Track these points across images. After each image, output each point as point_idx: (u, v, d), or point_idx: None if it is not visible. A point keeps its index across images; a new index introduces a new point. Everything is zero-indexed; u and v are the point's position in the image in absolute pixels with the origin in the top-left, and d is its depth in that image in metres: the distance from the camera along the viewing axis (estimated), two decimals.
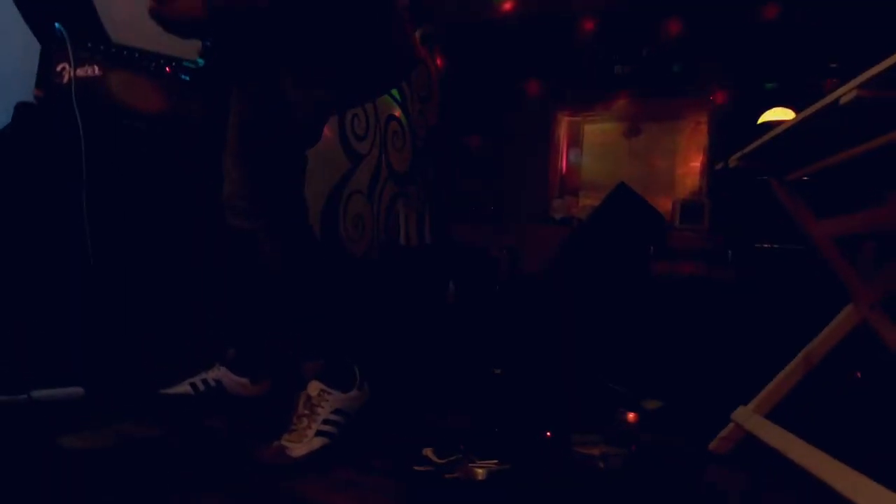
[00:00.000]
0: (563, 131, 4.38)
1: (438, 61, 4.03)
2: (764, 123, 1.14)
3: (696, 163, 3.79)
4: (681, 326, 2.28)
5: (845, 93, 0.79)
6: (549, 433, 1.07)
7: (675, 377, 1.86)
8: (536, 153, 4.32)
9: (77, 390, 1.24)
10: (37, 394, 1.18)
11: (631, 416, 1.45)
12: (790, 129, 0.95)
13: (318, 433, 0.98)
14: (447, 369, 1.95)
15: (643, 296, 2.61)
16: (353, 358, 1.12)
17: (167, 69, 1.53)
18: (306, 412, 1.00)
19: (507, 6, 3.98)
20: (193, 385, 1.23)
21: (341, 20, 1.04)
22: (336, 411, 1.02)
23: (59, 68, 1.41)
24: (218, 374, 1.25)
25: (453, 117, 4.13)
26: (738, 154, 1.18)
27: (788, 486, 0.99)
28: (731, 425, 1.22)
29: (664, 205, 3.50)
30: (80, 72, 1.40)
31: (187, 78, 1.49)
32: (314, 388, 1.03)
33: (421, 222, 3.41)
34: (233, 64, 1.13)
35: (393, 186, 3.35)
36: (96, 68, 1.44)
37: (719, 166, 1.25)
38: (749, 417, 1.18)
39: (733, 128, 3.46)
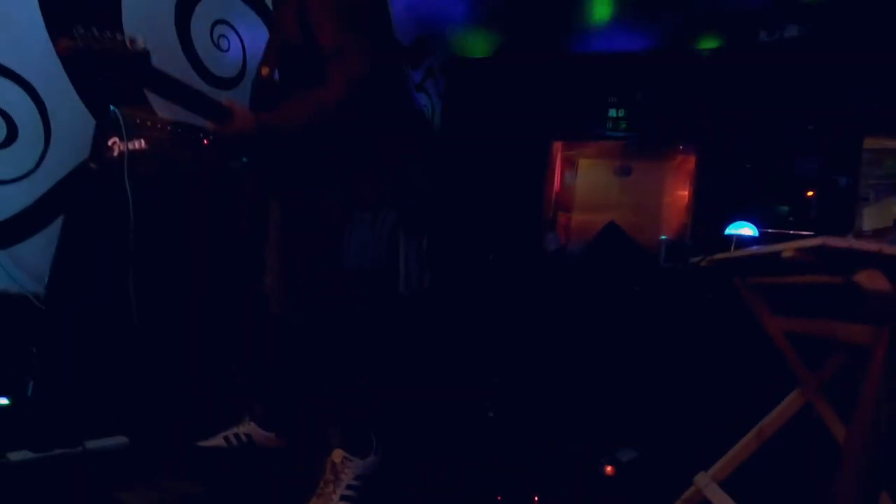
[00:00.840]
0: (559, 161, 4.58)
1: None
2: (729, 234, 1.34)
3: (683, 204, 4.00)
4: (658, 367, 2.48)
5: (788, 249, 0.98)
6: (536, 498, 1.25)
7: (650, 421, 2.06)
8: (532, 183, 4.51)
9: (122, 440, 1.41)
10: (90, 444, 1.35)
11: (609, 469, 1.65)
12: (743, 258, 1.14)
13: (342, 498, 1.15)
14: (441, 412, 2.13)
15: (627, 335, 2.80)
16: (370, 423, 1.30)
17: (205, 141, 1.70)
18: (331, 478, 1.17)
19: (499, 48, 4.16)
20: (227, 438, 1.40)
21: (373, 135, 1.22)
22: (357, 477, 1.20)
23: (110, 143, 1.57)
24: (248, 428, 1.43)
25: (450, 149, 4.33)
26: (708, 259, 1.37)
27: None
28: (692, 488, 1.42)
29: (651, 243, 3.72)
30: (130, 146, 1.56)
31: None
32: (338, 455, 1.21)
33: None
34: (274, 174, 1.30)
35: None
36: (143, 142, 1.60)
37: (696, 260, 1.44)
38: (707, 484, 1.37)
39: (719, 173, 3.70)
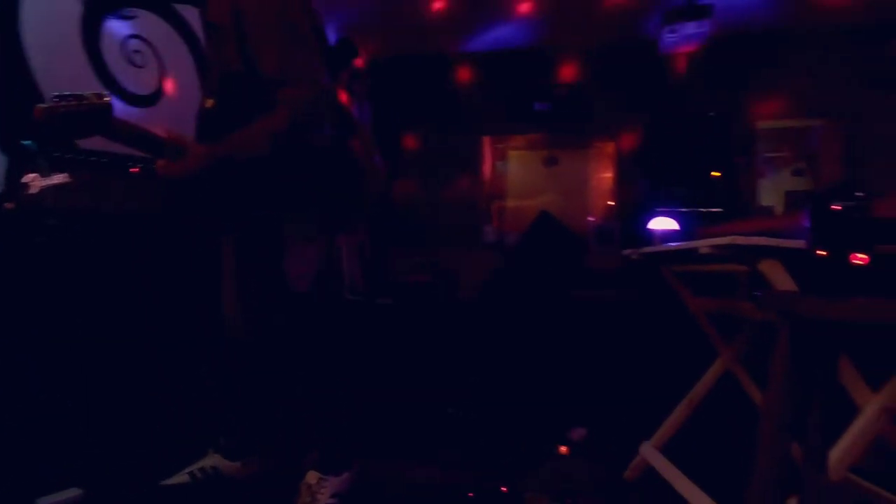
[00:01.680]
0: (489, 154, 4.72)
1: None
2: (651, 229, 1.50)
3: (607, 188, 4.28)
4: (599, 348, 2.67)
5: (703, 246, 1.12)
6: (504, 488, 1.35)
7: (595, 400, 2.23)
8: (465, 176, 4.62)
9: (76, 492, 1.35)
10: (41, 501, 1.28)
11: (563, 449, 1.78)
12: (667, 251, 1.28)
13: None
14: (404, 411, 2.19)
15: (567, 320, 2.98)
16: (342, 440, 1.33)
17: (134, 170, 1.62)
18: (308, 500, 1.20)
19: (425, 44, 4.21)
20: (192, 474, 1.38)
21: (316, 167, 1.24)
22: (334, 495, 1.23)
23: (26, 180, 1.46)
24: (213, 460, 1.40)
25: (383, 145, 4.32)
26: (638, 252, 1.52)
27: None
28: (638, 457, 1.58)
29: (581, 228, 3.96)
30: (53, 181, 1.46)
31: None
32: (312, 477, 1.24)
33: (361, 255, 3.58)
34: (225, 204, 1.28)
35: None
36: (66, 175, 1.50)
37: (628, 252, 1.58)
38: (649, 451, 1.54)
39: (636, 159, 3.99)
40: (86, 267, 1.43)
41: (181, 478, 1.37)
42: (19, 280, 1.39)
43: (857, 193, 0.70)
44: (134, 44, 2.17)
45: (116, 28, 2.10)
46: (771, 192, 3.70)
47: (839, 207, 0.69)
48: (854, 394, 1.11)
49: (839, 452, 1.01)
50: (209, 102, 1.24)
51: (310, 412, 1.37)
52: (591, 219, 4.44)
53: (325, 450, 1.29)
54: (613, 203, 4.28)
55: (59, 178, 1.50)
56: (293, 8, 1.18)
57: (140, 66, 2.21)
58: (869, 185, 0.74)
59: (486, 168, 4.51)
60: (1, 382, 1.30)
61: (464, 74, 4.43)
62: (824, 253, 0.69)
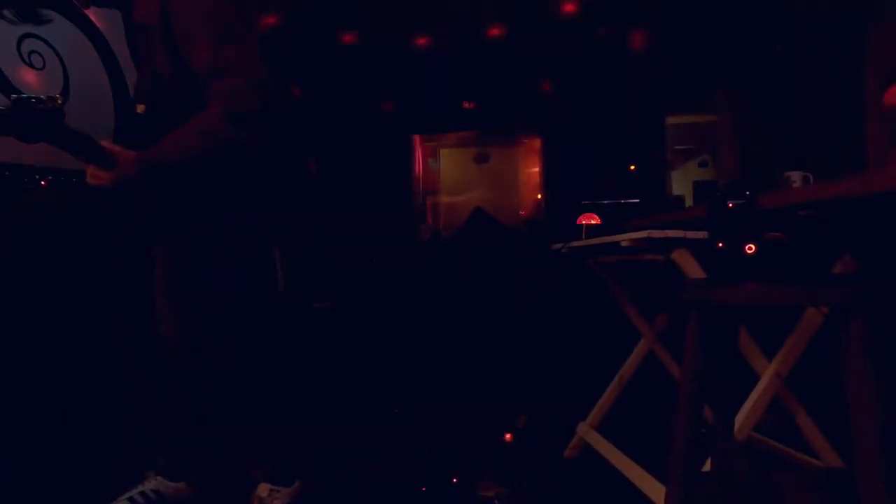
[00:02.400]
0: (419, 152, 4.77)
1: (296, 91, 4.08)
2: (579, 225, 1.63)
3: (536, 182, 4.47)
4: (533, 337, 2.81)
5: (624, 239, 1.23)
6: (455, 479, 1.41)
7: (534, 387, 2.36)
8: (396, 173, 4.63)
9: None
10: None
11: (508, 436, 1.87)
12: (593, 245, 1.39)
13: None
14: (347, 412, 2.19)
15: (503, 311, 3.10)
16: (290, 451, 1.33)
17: (42, 182, 1.51)
18: None
19: (348, 38, 4.17)
20: (132, 499, 1.31)
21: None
22: None
23: None
24: (154, 483, 1.35)
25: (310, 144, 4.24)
26: (566, 245, 1.63)
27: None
28: (576, 437, 1.70)
29: (513, 222, 4.12)
30: None
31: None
32: (264, 489, 1.23)
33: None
34: (160, 216, 1.22)
35: None
36: None
37: (557, 246, 1.69)
38: (587, 431, 1.66)
39: (561, 154, 4.20)
40: (4, 284, 1.32)
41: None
42: None
43: (747, 192, 0.81)
44: (31, 43, 1.99)
45: (8, 26, 1.92)
46: (681, 181, 4.06)
47: (732, 205, 0.80)
48: (753, 363, 1.27)
49: (743, 415, 1.16)
50: (140, 107, 1.18)
51: (252, 424, 1.35)
52: (521, 213, 4.63)
53: (273, 461, 1.28)
54: (541, 196, 4.48)
55: None
56: (225, 5, 1.15)
57: (40, 69, 2.03)
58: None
59: (418, 166, 4.56)
60: None
61: (393, 73, 4.43)
62: (721, 245, 0.80)
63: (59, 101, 0.98)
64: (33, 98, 0.97)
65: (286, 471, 1.30)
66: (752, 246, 0.79)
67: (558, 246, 1.70)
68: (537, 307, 2.85)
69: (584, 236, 1.67)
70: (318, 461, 1.47)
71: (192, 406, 1.36)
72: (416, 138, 4.57)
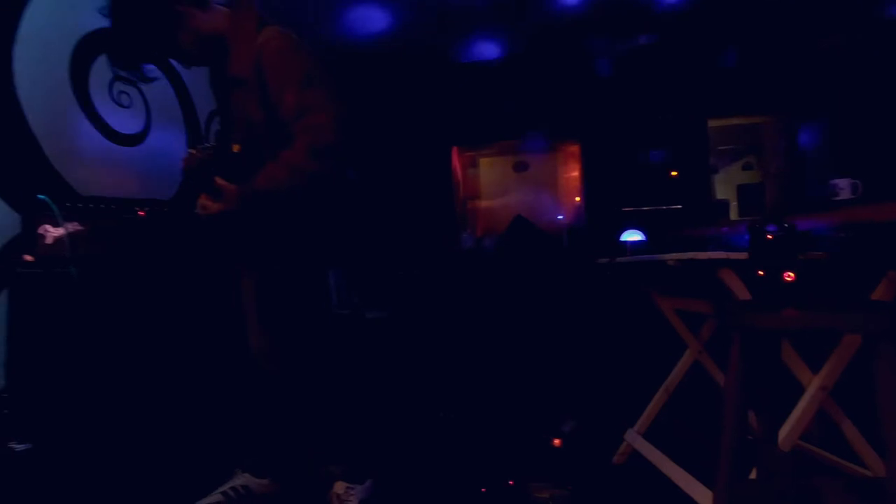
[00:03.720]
0: (461, 163, 4.90)
1: None
2: (623, 241, 1.70)
3: (575, 189, 4.52)
4: (579, 344, 2.87)
5: (669, 259, 1.32)
6: (511, 482, 1.52)
7: (582, 395, 2.43)
8: (438, 182, 4.77)
9: None
10: None
11: (557, 441, 1.97)
12: (638, 262, 1.48)
13: None
14: (393, 415, 2.32)
15: (548, 318, 3.17)
16: (362, 451, 1.48)
17: (140, 213, 1.71)
18: None
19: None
20: (225, 493, 1.49)
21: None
22: (361, 501, 1.37)
23: (41, 231, 1.54)
24: (243, 479, 1.52)
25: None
26: (611, 261, 1.71)
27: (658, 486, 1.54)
28: (624, 444, 1.78)
29: (553, 228, 4.18)
30: (67, 229, 1.55)
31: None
32: (340, 487, 1.38)
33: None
34: (246, 243, 1.40)
35: None
36: (77, 224, 1.59)
37: (603, 261, 1.77)
38: (634, 438, 1.73)
39: (601, 161, 4.23)
40: (111, 308, 1.52)
41: (215, 497, 1.48)
42: (53, 324, 1.47)
43: (785, 224, 0.89)
44: (121, 85, 2.23)
45: (104, 70, 2.16)
46: (724, 185, 4.00)
47: (771, 237, 0.87)
48: (798, 375, 1.32)
49: (789, 427, 1.22)
50: (236, 147, 1.36)
51: (328, 427, 1.51)
52: (560, 217, 4.67)
53: (347, 461, 1.43)
54: (580, 201, 4.51)
55: (71, 227, 1.58)
56: (307, 58, 1.33)
57: (126, 107, 2.27)
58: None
59: (459, 176, 4.68)
60: (51, 412, 1.39)
61: (433, 85, 4.56)
62: (762, 273, 0.88)
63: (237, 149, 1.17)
64: (209, 145, 1.16)
65: (359, 469, 1.45)
66: (792, 274, 0.86)
67: (603, 261, 1.78)
68: (582, 315, 2.92)
69: (628, 252, 1.75)
70: (384, 461, 1.61)
71: (276, 410, 1.53)
72: (455, 149, 4.69)
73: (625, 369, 2.36)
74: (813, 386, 1.22)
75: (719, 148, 4.53)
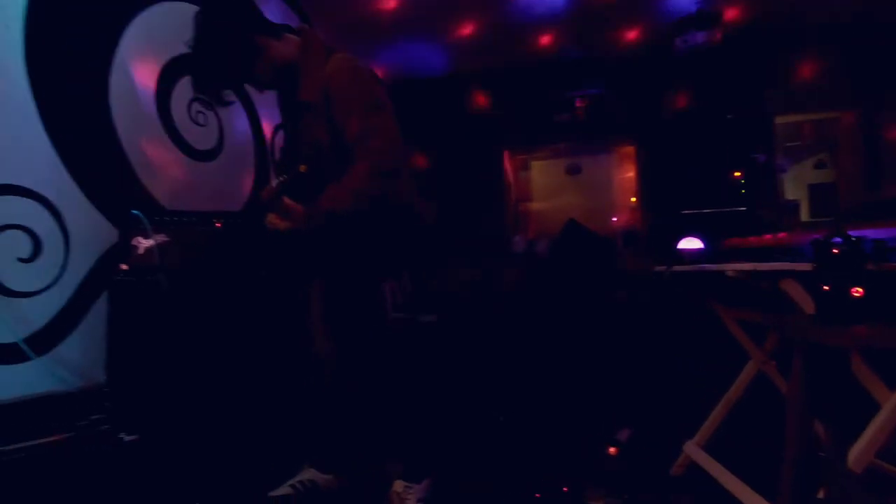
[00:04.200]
0: (511, 164, 4.90)
1: None
2: (681, 249, 1.66)
3: (630, 191, 4.42)
4: (635, 351, 2.82)
5: (729, 269, 1.29)
6: (565, 489, 1.54)
7: (638, 403, 2.39)
8: (490, 187, 4.79)
9: None
10: None
11: (612, 450, 1.95)
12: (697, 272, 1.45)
13: None
14: (451, 416, 2.37)
15: (604, 323, 3.12)
16: (420, 451, 1.54)
17: (217, 224, 1.87)
18: None
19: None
20: (294, 486, 1.60)
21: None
22: (419, 500, 1.44)
23: (134, 242, 1.71)
24: (310, 474, 1.63)
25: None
26: (668, 269, 1.69)
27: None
28: (682, 455, 1.74)
29: (606, 230, 4.10)
30: (156, 241, 1.71)
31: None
32: (399, 485, 1.45)
33: None
34: (316, 255, 1.51)
35: None
36: (164, 236, 1.75)
37: (660, 269, 1.75)
38: (694, 450, 1.70)
39: (657, 162, 4.12)
40: (194, 312, 1.68)
41: (285, 490, 1.60)
42: (144, 327, 1.64)
43: (852, 238, 0.86)
44: (198, 105, 2.43)
45: (184, 92, 2.36)
46: (793, 186, 3.77)
47: (837, 251, 0.85)
48: (874, 393, 1.26)
49: (862, 444, 1.17)
50: (303, 167, 1.47)
51: (388, 427, 1.58)
52: (615, 219, 4.57)
53: (407, 460, 1.50)
54: (635, 199, 4.39)
55: (160, 238, 1.75)
56: (371, 85, 1.42)
57: (202, 125, 2.47)
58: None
59: (511, 181, 4.69)
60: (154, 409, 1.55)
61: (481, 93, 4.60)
62: (828, 288, 0.86)
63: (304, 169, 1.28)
64: (285, 178, 1.28)
65: (417, 469, 1.52)
66: (860, 290, 0.84)
67: (660, 269, 1.76)
68: (638, 322, 2.87)
69: (686, 259, 1.71)
70: (442, 462, 1.67)
71: (340, 410, 1.62)
72: (507, 152, 4.71)
73: (684, 378, 2.30)
74: (889, 405, 1.16)
75: (787, 145, 4.28)
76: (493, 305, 3.77)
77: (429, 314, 3.47)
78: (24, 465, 1.30)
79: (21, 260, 1.67)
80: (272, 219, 1.40)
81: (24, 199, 1.68)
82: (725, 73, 3.76)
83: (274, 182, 1.34)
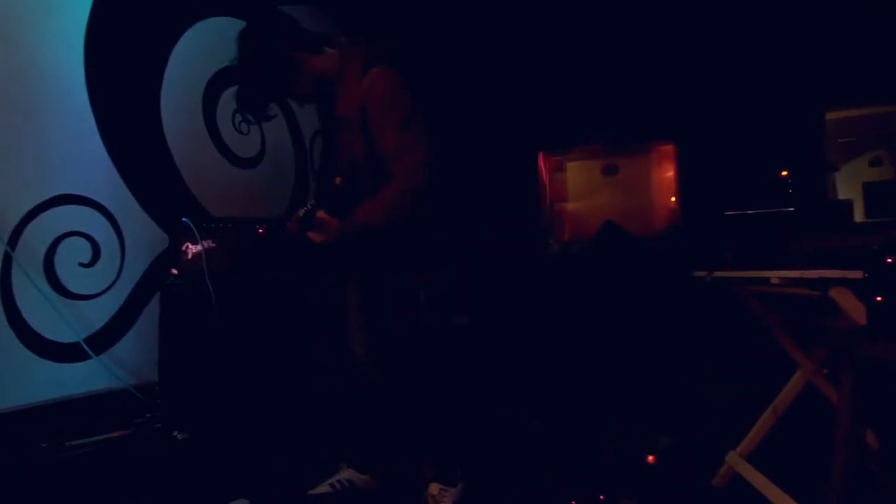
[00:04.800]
0: (545, 164, 4.85)
1: None
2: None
3: (671, 191, 4.29)
4: (676, 357, 2.74)
5: (773, 276, 1.25)
6: (602, 496, 1.52)
7: (678, 410, 2.33)
8: (522, 189, 4.75)
9: (244, 502, 1.65)
10: None
11: (650, 458, 1.92)
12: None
13: None
14: (485, 420, 2.37)
15: (643, 327, 3.05)
16: (454, 455, 1.56)
17: (260, 230, 1.94)
18: None
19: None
20: (332, 485, 1.65)
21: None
22: None
23: (183, 248, 1.80)
24: (347, 474, 1.67)
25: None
26: (709, 274, 1.64)
27: None
28: (725, 465, 1.69)
29: (645, 232, 4.00)
30: (203, 246, 1.79)
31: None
32: (434, 488, 1.47)
33: None
34: (351, 263, 1.55)
35: None
36: (211, 241, 1.83)
37: (700, 274, 1.70)
38: (737, 460, 1.65)
39: (699, 161, 3.98)
40: (238, 315, 1.75)
41: (324, 488, 1.65)
42: (193, 329, 1.72)
43: None
44: (241, 115, 2.52)
45: (229, 102, 2.45)
46: (846, 184, 3.57)
47: (891, 260, 0.82)
48: None
49: None
50: (338, 179, 1.51)
51: (423, 429, 1.61)
52: (654, 223, 4.44)
53: (442, 463, 1.53)
54: (675, 199, 4.27)
55: (207, 244, 1.83)
56: (406, 102, 1.44)
57: (245, 134, 2.56)
58: None
59: (545, 182, 4.64)
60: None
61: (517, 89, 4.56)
62: (880, 299, 0.83)
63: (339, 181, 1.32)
64: (307, 208, 1.34)
65: (452, 473, 1.54)
66: None
67: (701, 274, 1.71)
68: (679, 327, 2.79)
69: (729, 265, 1.66)
70: (477, 466, 1.68)
71: (377, 411, 1.66)
72: (540, 154, 4.66)
73: (726, 386, 2.23)
74: None
75: (840, 141, 4.07)
76: (527, 308, 3.75)
77: (462, 316, 3.48)
78: (89, 459, 1.39)
79: (82, 265, 1.79)
80: (310, 234, 1.44)
81: (85, 207, 1.80)
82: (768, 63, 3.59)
83: (301, 211, 1.38)
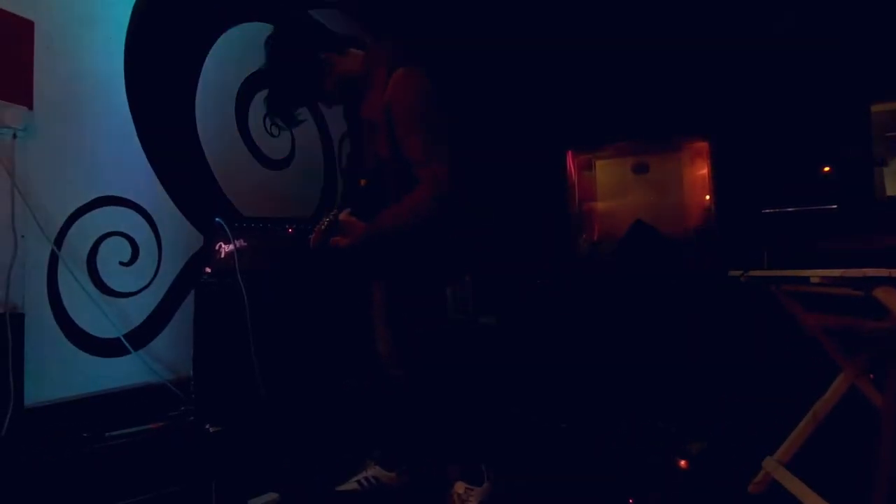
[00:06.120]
0: (575, 167, 4.79)
1: None
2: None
3: (703, 191, 4.17)
4: (710, 359, 2.66)
5: (813, 276, 1.20)
6: (631, 500, 1.49)
7: (713, 414, 2.26)
8: (552, 188, 4.70)
9: (274, 495, 1.69)
10: (252, 502, 1.63)
11: (683, 463, 1.87)
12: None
13: None
14: (511, 420, 2.36)
15: (674, 327, 2.98)
16: (480, 455, 1.56)
17: (289, 230, 1.98)
18: None
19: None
20: (359, 482, 1.67)
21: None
22: (479, 503, 1.45)
23: (217, 247, 1.85)
24: (373, 471, 1.69)
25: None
26: (744, 274, 1.59)
27: None
28: (762, 472, 1.63)
29: (677, 232, 3.90)
30: (235, 245, 1.84)
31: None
32: (460, 487, 1.47)
33: None
34: (376, 265, 1.57)
35: None
36: (243, 241, 1.88)
37: (735, 274, 1.65)
38: (774, 467, 1.59)
39: (734, 158, 3.86)
40: (270, 312, 1.79)
41: (351, 485, 1.67)
42: (226, 325, 1.77)
43: None
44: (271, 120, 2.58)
45: (260, 105, 2.51)
46: (894, 180, 3.40)
47: None
48: None
49: None
50: (363, 182, 1.53)
51: (449, 427, 1.61)
52: (688, 222, 4.33)
53: (468, 462, 1.52)
54: (709, 198, 4.14)
55: (239, 244, 1.88)
56: (431, 105, 1.45)
57: (275, 137, 2.62)
58: None
59: (574, 181, 4.58)
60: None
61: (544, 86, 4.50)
62: None
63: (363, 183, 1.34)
64: (328, 217, 1.35)
65: (477, 472, 1.53)
66: None
67: (736, 273, 1.66)
68: (713, 329, 2.71)
69: (765, 265, 1.60)
70: (503, 466, 1.67)
71: (404, 410, 1.67)
72: (569, 153, 4.60)
73: (764, 390, 2.15)
74: None
75: (887, 135, 3.87)
76: (555, 308, 3.71)
77: (489, 316, 3.48)
78: (127, 449, 1.45)
79: (122, 264, 1.86)
80: (335, 238, 1.46)
81: (125, 208, 1.87)
82: (810, 58, 3.46)
83: (323, 221, 1.41)
